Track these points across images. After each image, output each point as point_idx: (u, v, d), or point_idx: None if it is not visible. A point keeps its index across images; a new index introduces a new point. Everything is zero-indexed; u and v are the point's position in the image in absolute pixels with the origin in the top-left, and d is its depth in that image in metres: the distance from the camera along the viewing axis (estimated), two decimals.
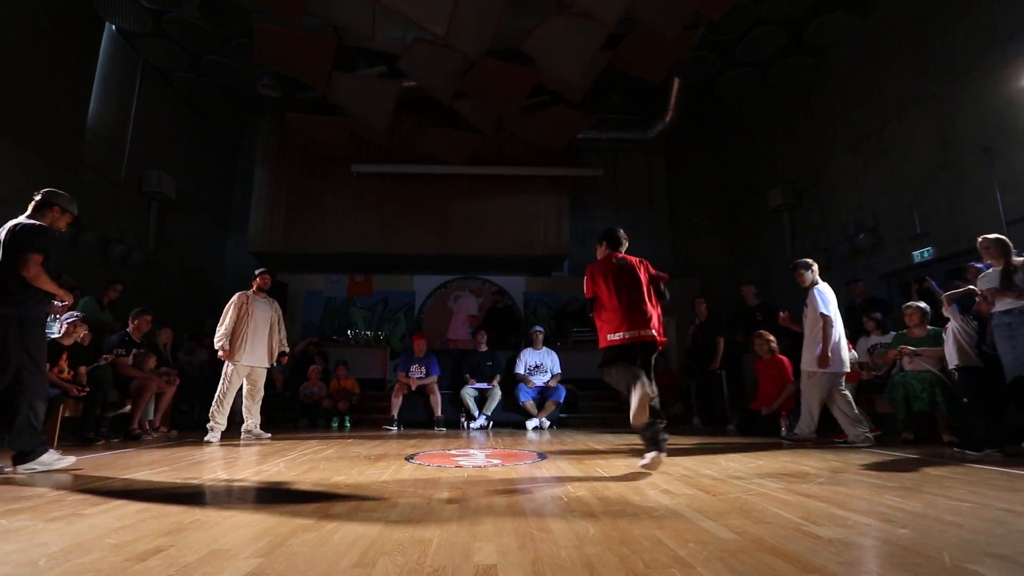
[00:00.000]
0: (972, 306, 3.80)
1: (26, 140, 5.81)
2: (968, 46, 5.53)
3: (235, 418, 5.03)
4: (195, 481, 2.61)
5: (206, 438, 4.55)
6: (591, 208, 10.49)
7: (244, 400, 4.89)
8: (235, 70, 8.23)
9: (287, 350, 5.24)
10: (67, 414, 4.32)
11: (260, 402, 5.01)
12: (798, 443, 4.28)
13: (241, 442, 4.63)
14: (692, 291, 9.10)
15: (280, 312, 5.23)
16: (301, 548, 1.43)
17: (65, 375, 4.29)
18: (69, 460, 3.03)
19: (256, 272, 5.21)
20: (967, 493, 2.15)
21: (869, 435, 4.06)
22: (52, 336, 4.23)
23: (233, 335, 4.79)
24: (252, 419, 4.90)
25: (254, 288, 5.09)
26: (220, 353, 4.77)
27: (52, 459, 2.93)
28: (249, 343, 4.84)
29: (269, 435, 4.93)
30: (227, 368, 4.80)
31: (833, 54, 7.62)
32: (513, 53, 7.08)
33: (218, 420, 4.68)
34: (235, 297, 4.97)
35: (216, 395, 4.75)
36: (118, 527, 1.65)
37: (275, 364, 5.15)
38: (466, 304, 9.60)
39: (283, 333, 5.18)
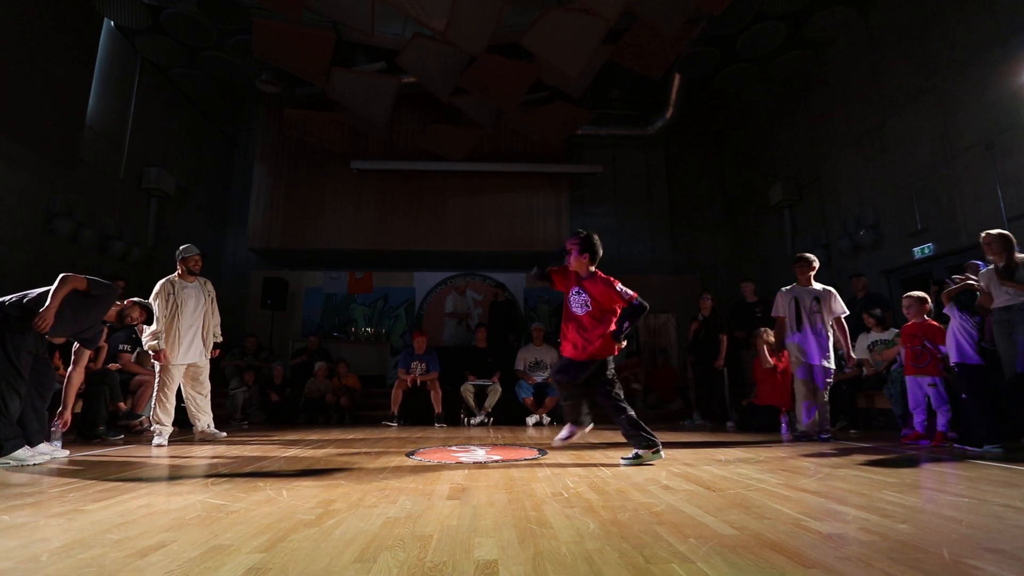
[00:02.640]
0: (972, 302, 3.79)
1: (25, 137, 5.80)
2: (969, 41, 5.51)
3: (237, 415, 5.02)
4: (196, 477, 2.62)
5: (153, 442, 4.10)
6: (591, 204, 10.48)
7: (190, 401, 4.50)
8: (234, 66, 8.20)
9: (220, 340, 4.63)
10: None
11: (208, 399, 4.56)
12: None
13: (196, 441, 4.36)
14: (692, 288, 9.11)
15: (213, 295, 4.62)
16: (302, 543, 1.44)
17: (60, 372, 4.29)
18: (43, 457, 3.04)
19: (184, 254, 4.47)
20: (966, 489, 2.16)
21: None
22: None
23: (165, 332, 4.28)
24: (204, 418, 4.50)
25: (180, 272, 4.45)
26: (153, 355, 4.29)
27: (26, 455, 2.95)
28: (182, 339, 4.34)
29: (225, 433, 4.57)
30: (157, 367, 4.31)
31: (833, 49, 7.59)
32: (513, 48, 7.06)
33: (163, 421, 4.23)
34: (159, 286, 4.36)
35: (154, 396, 4.32)
36: (120, 523, 1.66)
37: (208, 357, 4.55)
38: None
39: (216, 319, 4.56)
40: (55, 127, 6.22)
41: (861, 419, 5.27)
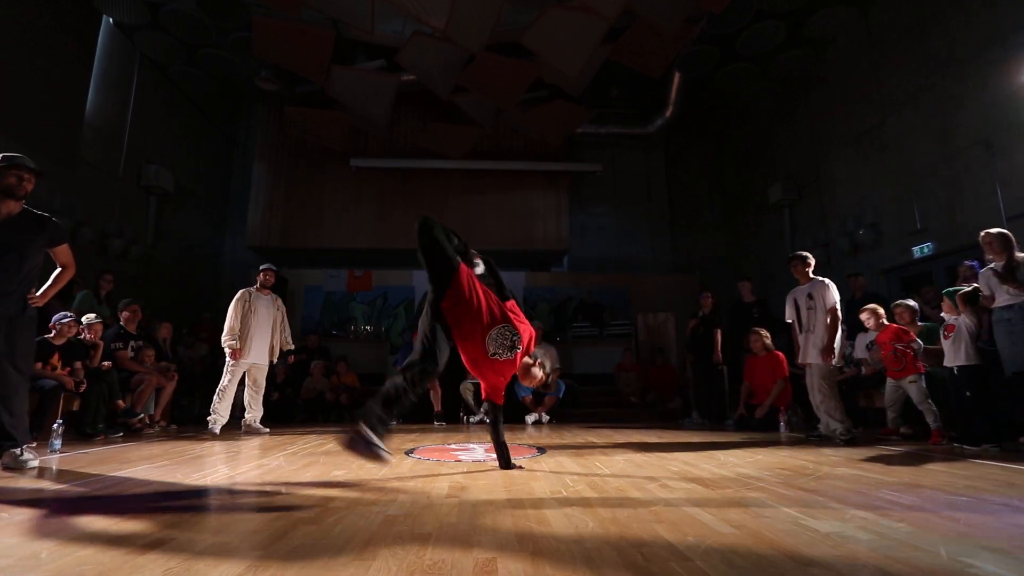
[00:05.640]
0: (977, 303, 3.77)
1: (24, 135, 5.77)
2: (969, 40, 5.51)
3: (235, 412, 5.07)
4: (195, 475, 2.62)
5: (208, 429, 4.63)
6: (590, 203, 10.47)
7: (247, 393, 5.00)
8: (233, 63, 8.19)
9: (292, 348, 5.26)
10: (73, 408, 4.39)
11: (262, 396, 5.08)
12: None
13: (241, 435, 4.69)
14: (691, 288, 9.11)
15: (283, 310, 5.25)
16: (302, 541, 1.44)
17: (58, 372, 4.29)
18: None
19: (260, 268, 5.17)
20: (964, 488, 2.17)
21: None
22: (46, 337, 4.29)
23: (241, 334, 4.84)
24: (253, 413, 4.98)
25: (257, 285, 5.09)
26: (229, 352, 4.80)
27: None
28: (253, 341, 4.88)
29: (268, 429, 4.96)
30: (228, 363, 4.84)
31: (833, 48, 7.59)
32: (512, 47, 7.05)
33: (220, 412, 4.75)
34: (239, 294, 4.97)
35: (217, 388, 4.81)
36: (119, 520, 1.66)
37: (276, 361, 5.17)
38: None
39: (287, 332, 5.20)
40: (54, 125, 6.20)
41: (860, 418, 5.27)
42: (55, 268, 3.09)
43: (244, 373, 4.96)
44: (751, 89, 8.89)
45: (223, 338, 4.81)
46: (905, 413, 4.34)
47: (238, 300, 4.91)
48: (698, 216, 10.65)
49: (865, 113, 6.97)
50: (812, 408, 4.36)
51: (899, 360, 4.11)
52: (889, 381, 4.27)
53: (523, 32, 6.46)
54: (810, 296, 4.25)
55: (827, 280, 4.25)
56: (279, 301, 5.22)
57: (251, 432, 4.84)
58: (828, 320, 4.10)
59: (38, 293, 2.96)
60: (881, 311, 4.44)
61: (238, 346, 4.77)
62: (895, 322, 4.37)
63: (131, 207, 7.59)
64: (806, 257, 4.37)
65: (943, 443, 3.77)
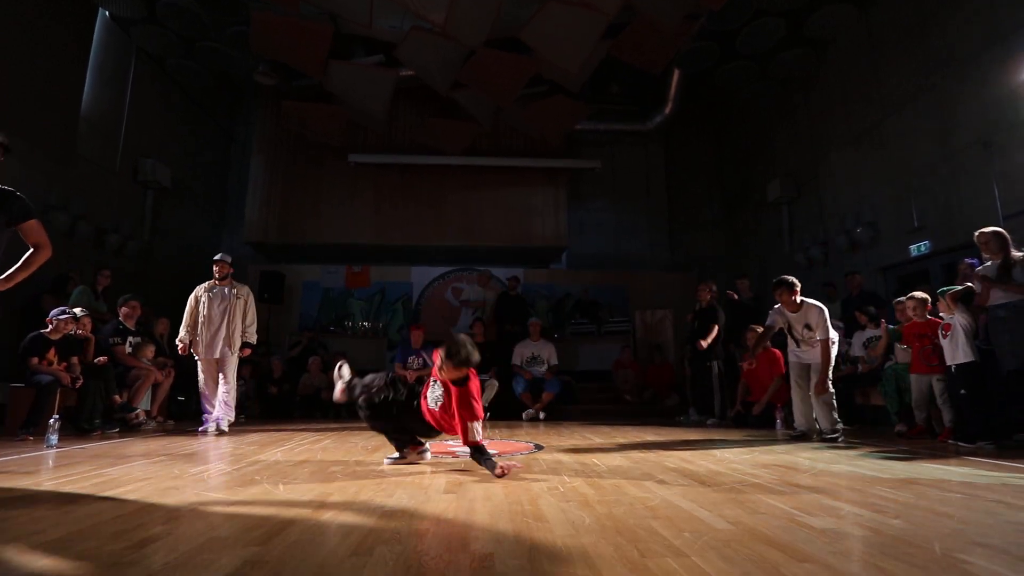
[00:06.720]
0: (971, 302, 3.79)
1: (20, 129, 5.73)
2: (969, 40, 5.50)
3: (235, 409, 5.06)
4: (192, 470, 2.62)
5: (200, 428, 4.61)
6: (589, 200, 10.46)
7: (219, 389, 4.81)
8: (231, 57, 8.14)
9: (252, 341, 4.91)
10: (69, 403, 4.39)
11: (230, 393, 4.77)
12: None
13: (238, 432, 4.66)
14: (690, 285, 9.10)
15: (248, 298, 4.95)
16: (299, 536, 1.44)
17: (54, 367, 4.29)
18: None
19: (213, 260, 4.96)
20: (958, 484, 2.18)
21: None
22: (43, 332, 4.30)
23: (193, 330, 4.80)
24: (215, 411, 4.69)
25: (214, 279, 4.88)
26: (180, 348, 4.75)
27: None
28: (204, 336, 4.76)
29: (227, 429, 4.64)
30: (197, 362, 4.86)
31: (833, 47, 7.58)
32: (512, 42, 7.02)
33: (206, 410, 4.74)
34: (193, 292, 4.93)
35: (199, 390, 4.84)
36: (116, 515, 1.66)
37: (234, 353, 4.82)
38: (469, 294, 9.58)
39: (248, 320, 4.87)
40: (50, 119, 6.15)
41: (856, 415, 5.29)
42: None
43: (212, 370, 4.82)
44: (751, 87, 8.87)
45: (177, 338, 4.82)
46: (900, 410, 4.36)
47: (190, 298, 4.86)
48: (697, 213, 10.65)
49: (865, 112, 6.97)
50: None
51: (936, 354, 4.00)
52: (915, 378, 4.14)
53: (522, 28, 6.43)
54: (808, 327, 4.11)
55: (820, 305, 4.10)
56: (243, 290, 4.96)
57: (213, 432, 4.52)
58: (822, 353, 4.01)
59: (2, 276, 2.56)
60: (928, 300, 4.22)
61: (187, 340, 4.73)
62: (897, 319, 4.32)
63: (128, 202, 7.55)
64: (793, 284, 4.14)
65: (951, 441, 3.73)
